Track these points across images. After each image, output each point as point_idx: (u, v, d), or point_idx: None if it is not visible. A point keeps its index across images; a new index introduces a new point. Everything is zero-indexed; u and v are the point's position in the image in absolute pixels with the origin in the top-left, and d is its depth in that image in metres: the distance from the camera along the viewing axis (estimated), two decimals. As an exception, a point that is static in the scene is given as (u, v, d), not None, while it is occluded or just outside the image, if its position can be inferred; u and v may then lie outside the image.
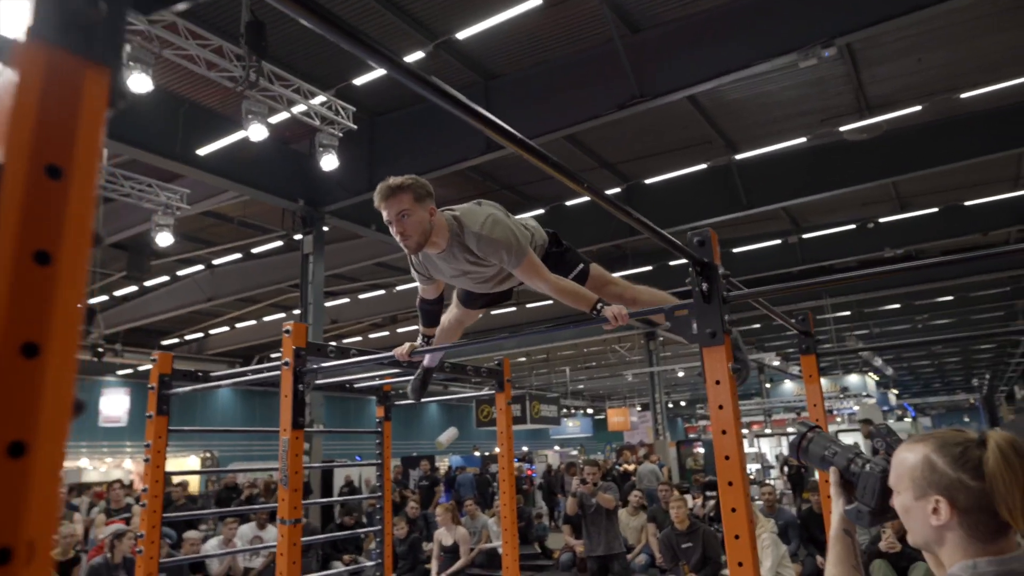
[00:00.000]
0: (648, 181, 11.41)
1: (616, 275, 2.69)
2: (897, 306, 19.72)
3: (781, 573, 5.62)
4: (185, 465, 22.43)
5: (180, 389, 3.04)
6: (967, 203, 12.58)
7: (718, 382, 1.62)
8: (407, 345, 2.60)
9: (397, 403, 3.99)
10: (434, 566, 7.45)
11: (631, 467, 14.96)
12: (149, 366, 3.20)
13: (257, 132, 6.77)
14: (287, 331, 2.55)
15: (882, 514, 1.27)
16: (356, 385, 3.80)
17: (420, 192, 2.26)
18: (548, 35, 8.07)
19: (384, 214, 2.24)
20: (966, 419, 50.47)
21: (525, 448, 22.36)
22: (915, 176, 10.83)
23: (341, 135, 7.54)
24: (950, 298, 19.67)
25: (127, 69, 5.59)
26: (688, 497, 8.46)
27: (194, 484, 20.49)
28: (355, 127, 7.71)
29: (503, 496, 3.41)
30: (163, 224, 8.73)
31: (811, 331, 2.77)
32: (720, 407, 1.62)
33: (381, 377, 3.65)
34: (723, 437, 1.58)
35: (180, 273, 15.08)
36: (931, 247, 15.67)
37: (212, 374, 3.09)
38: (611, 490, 6.72)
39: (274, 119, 7.41)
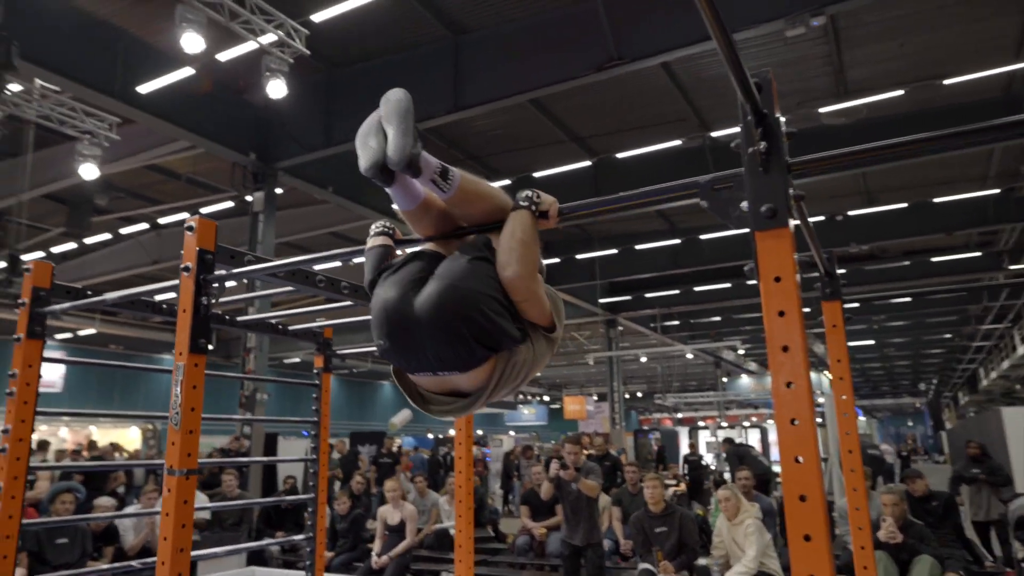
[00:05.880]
0: (620, 156, 11.03)
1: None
2: (856, 305, 19.78)
3: (764, 563, 5.14)
4: (125, 437, 21.42)
5: (58, 307, 2.49)
6: (935, 200, 12.49)
7: (778, 279, 1.10)
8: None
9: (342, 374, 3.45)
10: (377, 545, 6.78)
11: (595, 451, 14.66)
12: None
13: (192, 43, 5.99)
14: (190, 228, 2.02)
15: None
16: (292, 328, 3.27)
17: None
18: (524, -13, 7.60)
19: None
20: (910, 423, 51.85)
21: (480, 431, 21.97)
22: (886, 169, 10.65)
23: (292, 61, 6.82)
24: (907, 299, 19.82)
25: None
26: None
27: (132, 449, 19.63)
28: (308, 52, 7.00)
29: (459, 476, 2.82)
30: (88, 155, 7.82)
31: (835, 272, 2.33)
32: (781, 313, 1.09)
33: (319, 318, 3.13)
34: (783, 355, 1.07)
35: (123, 231, 14.21)
36: (894, 245, 15.68)
37: (107, 296, 2.49)
38: (594, 473, 5.93)
39: (224, 56, 6.69)
